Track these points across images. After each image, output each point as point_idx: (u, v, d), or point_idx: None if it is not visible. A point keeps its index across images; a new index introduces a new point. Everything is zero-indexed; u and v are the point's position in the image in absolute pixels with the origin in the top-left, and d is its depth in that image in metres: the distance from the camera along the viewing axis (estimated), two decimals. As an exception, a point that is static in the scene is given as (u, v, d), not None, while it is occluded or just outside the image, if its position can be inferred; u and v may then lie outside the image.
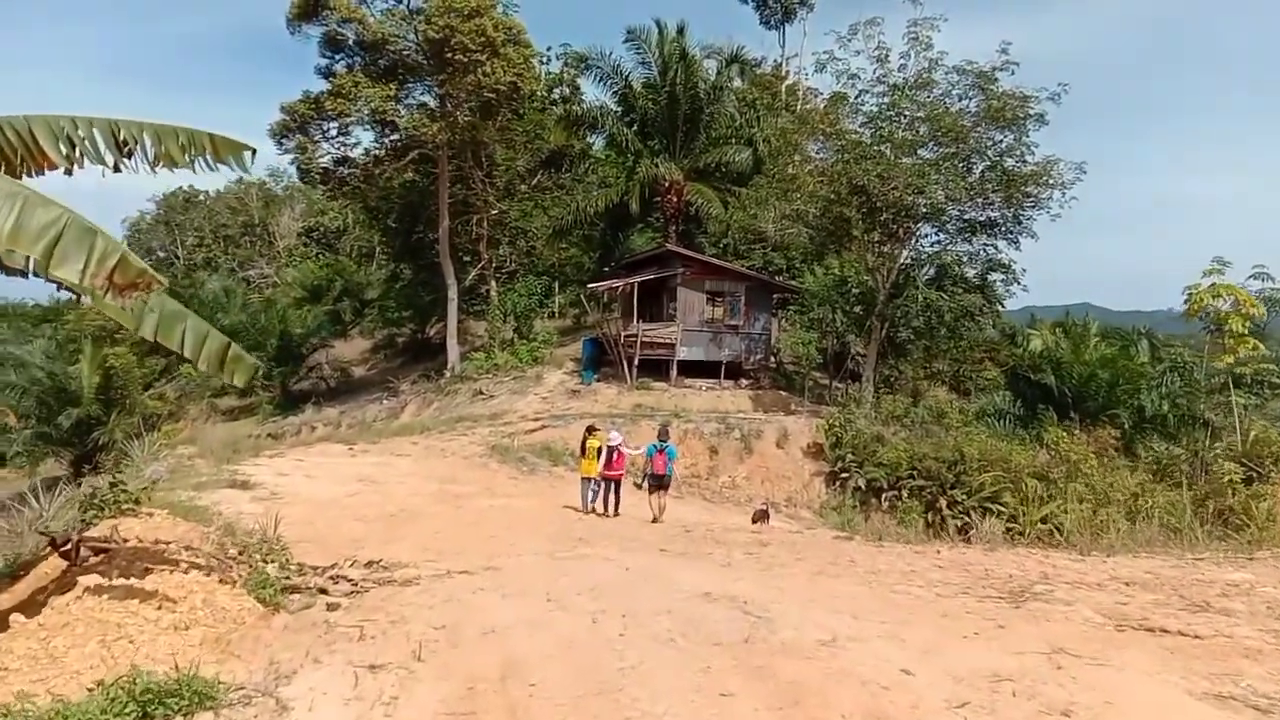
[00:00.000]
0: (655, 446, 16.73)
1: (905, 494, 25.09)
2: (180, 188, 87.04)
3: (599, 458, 16.81)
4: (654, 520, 16.35)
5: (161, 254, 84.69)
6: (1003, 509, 24.52)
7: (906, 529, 24.03)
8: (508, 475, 21.26)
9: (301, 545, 10.85)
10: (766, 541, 12.21)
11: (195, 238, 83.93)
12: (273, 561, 7.68)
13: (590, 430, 17.72)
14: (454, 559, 9.69)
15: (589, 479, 17.10)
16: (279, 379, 43.59)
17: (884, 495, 25.21)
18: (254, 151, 7.86)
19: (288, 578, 7.47)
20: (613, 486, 16.86)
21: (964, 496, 24.82)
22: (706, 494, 24.06)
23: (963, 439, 26.31)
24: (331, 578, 7.68)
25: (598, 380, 33.56)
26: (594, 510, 16.92)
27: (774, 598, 7.69)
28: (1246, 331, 25.43)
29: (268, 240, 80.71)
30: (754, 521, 18.31)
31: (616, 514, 16.64)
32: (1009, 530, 18.36)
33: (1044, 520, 19.99)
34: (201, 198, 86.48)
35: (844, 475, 25.41)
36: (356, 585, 7.43)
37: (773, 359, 36.33)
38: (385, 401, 36.60)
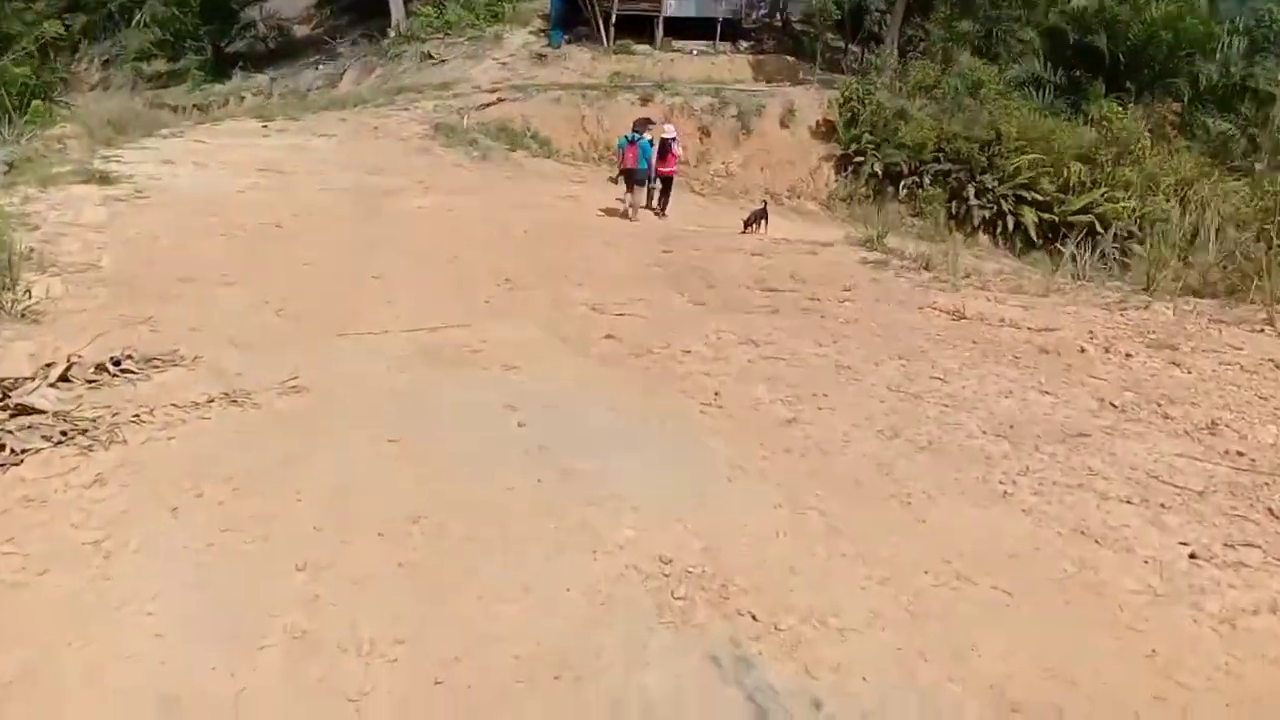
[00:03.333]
0: (627, 138, 15.05)
1: (928, 181, 21.52)
2: None
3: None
4: (624, 216, 14.70)
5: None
6: (1039, 197, 21.24)
7: (925, 221, 20.97)
8: (452, 163, 17.40)
9: (94, 292, 7.42)
10: (774, 293, 8.47)
11: None
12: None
13: (639, 125, 16.70)
14: (280, 339, 6.41)
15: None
16: (208, 39, 37.73)
17: (903, 182, 21.64)
18: None
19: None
20: (663, 185, 15.85)
21: (995, 183, 21.36)
22: (696, 184, 20.32)
23: (1000, 115, 22.21)
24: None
25: (568, 42, 28.37)
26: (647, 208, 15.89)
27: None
28: None
29: None
30: (746, 226, 14.84)
31: (664, 215, 15.75)
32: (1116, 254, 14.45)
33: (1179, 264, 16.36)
34: None
35: (858, 160, 21.63)
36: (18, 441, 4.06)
37: (779, 17, 30.92)
38: (322, 67, 31.47)
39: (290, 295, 7.55)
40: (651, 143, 15.29)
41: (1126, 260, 20.80)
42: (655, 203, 16.02)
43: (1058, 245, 20.71)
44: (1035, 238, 21.14)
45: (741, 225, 14.90)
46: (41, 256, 8.60)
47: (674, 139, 15.62)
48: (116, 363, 5.08)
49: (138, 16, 41.18)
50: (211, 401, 4.98)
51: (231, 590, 3.73)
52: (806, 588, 3.93)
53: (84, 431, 4.28)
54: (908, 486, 4.89)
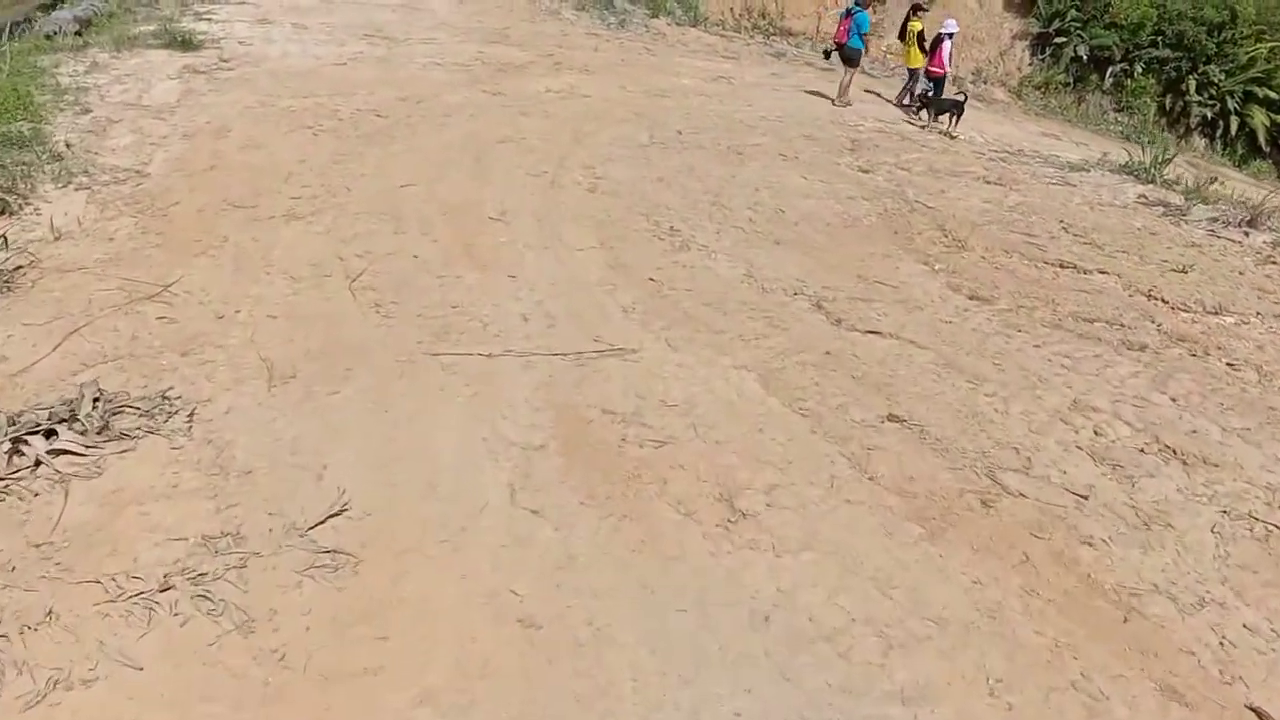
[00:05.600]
0: (844, 10, 13.10)
1: (1139, 69, 17.94)
2: None
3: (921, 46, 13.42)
4: (833, 102, 12.86)
5: None
6: (1274, 95, 17.58)
7: (1133, 117, 17.75)
8: (585, 30, 14.89)
9: (114, 226, 5.52)
10: (1073, 276, 5.75)
11: None
12: None
13: (915, 10, 13.77)
14: (342, 357, 4.34)
15: (914, 70, 13.72)
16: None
17: (1110, 70, 18.10)
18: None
19: None
20: (933, 86, 13.23)
21: (1222, 76, 17.67)
22: (867, 63, 17.26)
23: (1240, -10, 18.29)
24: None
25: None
26: (903, 106, 13.79)
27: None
28: None
29: None
30: (920, 108, 12.77)
31: (935, 121, 12.85)
32: None
33: None
34: None
35: (1059, 40, 18.06)
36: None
37: None
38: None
39: (374, 249, 5.46)
40: (910, 31, 13.46)
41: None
42: (904, 99, 13.97)
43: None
44: (1263, 144, 17.72)
45: (918, 105, 12.81)
46: (78, 155, 6.79)
47: (950, 34, 12.88)
48: (50, 432, 3.07)
49: None
50: (167, 590, 2.64)
51: None
52: None
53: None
54: None
